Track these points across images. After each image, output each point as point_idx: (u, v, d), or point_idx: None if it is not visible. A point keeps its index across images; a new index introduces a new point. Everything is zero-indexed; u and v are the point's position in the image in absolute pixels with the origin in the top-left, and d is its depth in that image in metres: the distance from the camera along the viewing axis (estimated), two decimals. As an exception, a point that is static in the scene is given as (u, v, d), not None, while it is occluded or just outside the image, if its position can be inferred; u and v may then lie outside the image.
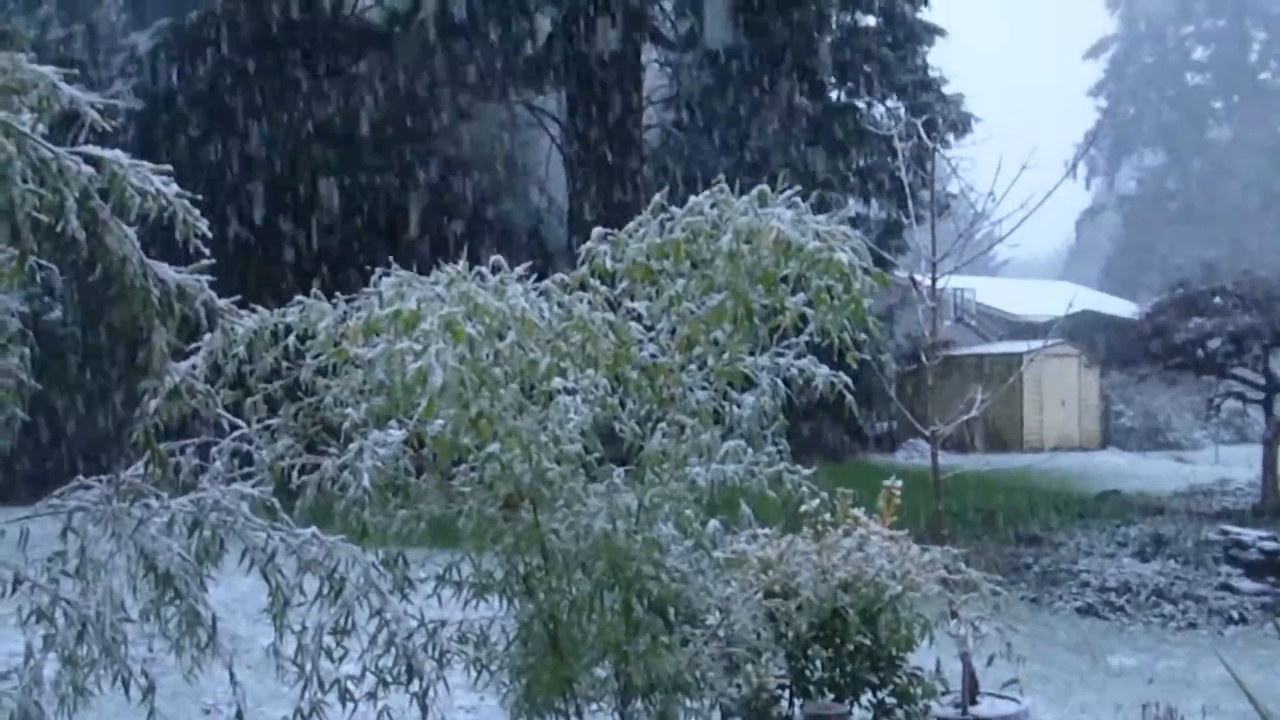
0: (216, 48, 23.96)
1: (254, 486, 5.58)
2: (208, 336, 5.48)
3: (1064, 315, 27.91)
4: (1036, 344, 28.07)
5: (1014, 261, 58.10)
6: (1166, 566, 16.65)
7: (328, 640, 5.36)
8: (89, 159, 4.74)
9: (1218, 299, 22.78)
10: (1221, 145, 73.25)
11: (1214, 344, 22.37)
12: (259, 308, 5.69)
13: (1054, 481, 24.61)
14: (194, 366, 5.44)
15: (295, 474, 5.73)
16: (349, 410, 5.60)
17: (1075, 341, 36.64)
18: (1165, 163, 75.50)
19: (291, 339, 5.63)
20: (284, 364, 5.68)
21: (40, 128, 4.68)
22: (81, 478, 5.43)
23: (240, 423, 5.71)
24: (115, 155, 4.78)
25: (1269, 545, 16.44)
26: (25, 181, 4.56)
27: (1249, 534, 17.06)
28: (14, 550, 5.11)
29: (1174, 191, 74.03)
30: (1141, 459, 33.50)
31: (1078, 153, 55.13)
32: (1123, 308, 43.09)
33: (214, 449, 5.74)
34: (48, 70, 4.71)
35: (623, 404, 5.94)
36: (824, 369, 6.01)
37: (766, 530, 7.29)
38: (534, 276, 5.61)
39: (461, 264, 5.50)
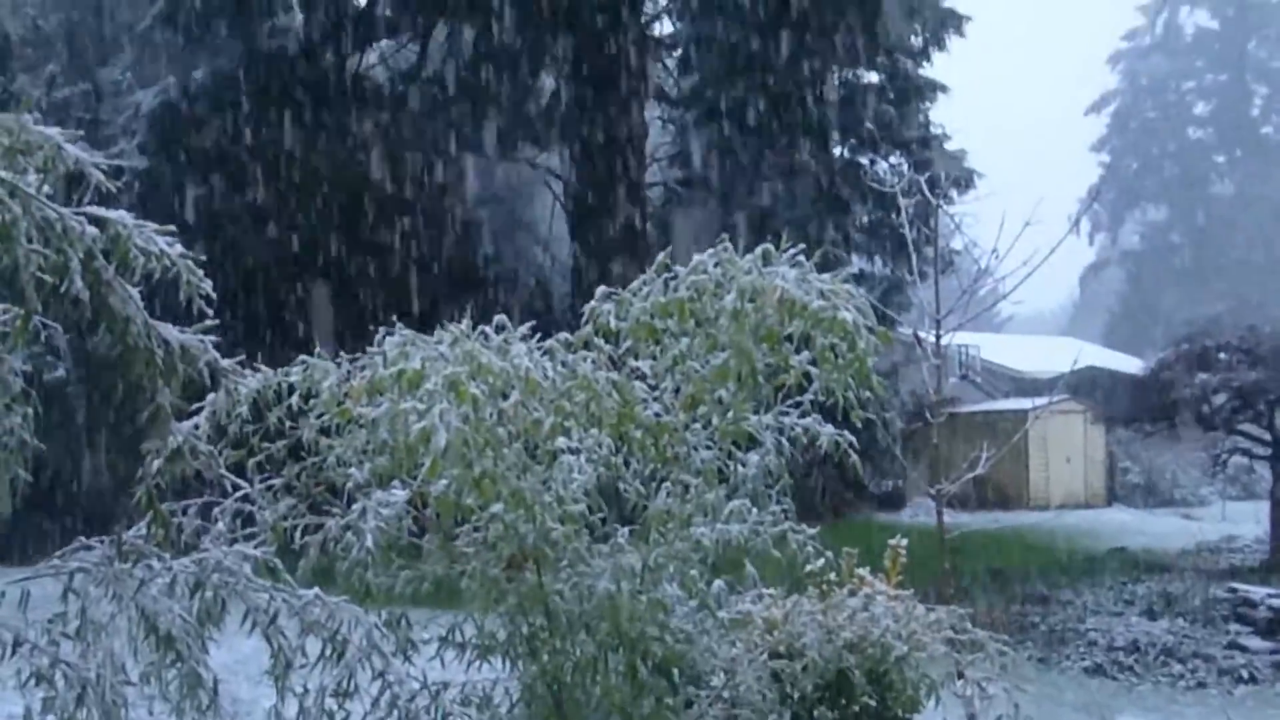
0: (220, 106, 24.08)
1: (256, 547, 5.55)
2: (211, 396, 5.47)
3: (1069, 371, 27.87)
4: (1042, 401, 27.96)
5: (1018, 317, 58.08)
6: (1175, 625, 16.54)
7: (330, 703, 5.32)
8: (93, 219, 4.75)
9: (1223, 354, 22.74)
10: (1225, 200, 73.40)
11: (1220, 400, 22.30)
12: (262, 367, 5.68)
13: (1060, 539, 24.49)
14: (196, 426, 5.42)
15: (298, 534, 5.70)
16: (352, 470, 5.58)
17: (1081, 398, 36.57)
18: (1169, 217, 75.63)
19: (295, 398, 5.62)
20: (287, 424, 5.67)
21: (45, 188, 4.69)
22: (83, 538, 5.41)
23: (243, 483, 5.69)
24: (120, 216, 4.79)
25: (1278, 603, 16.33)
26: (30, 242, 4.57)
27: (1258, 591, 16.95)
28: (14, 612, 5.08)
29: (1178, 246, 74.12)
30: (1148, 516, 33.36)
31: (1081, 208, 55.37)
32: (1128, 363, 43.02)
33: (216, 509, 5.72)
34: (53, 132, 4.72)
35: (627, 463, 5.93)
36: (828, 428, 5.99)
37: (771, 590, 7.25)
38: (537, 335, 5.61)
39: (465, 323, 5.49)
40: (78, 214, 4.65)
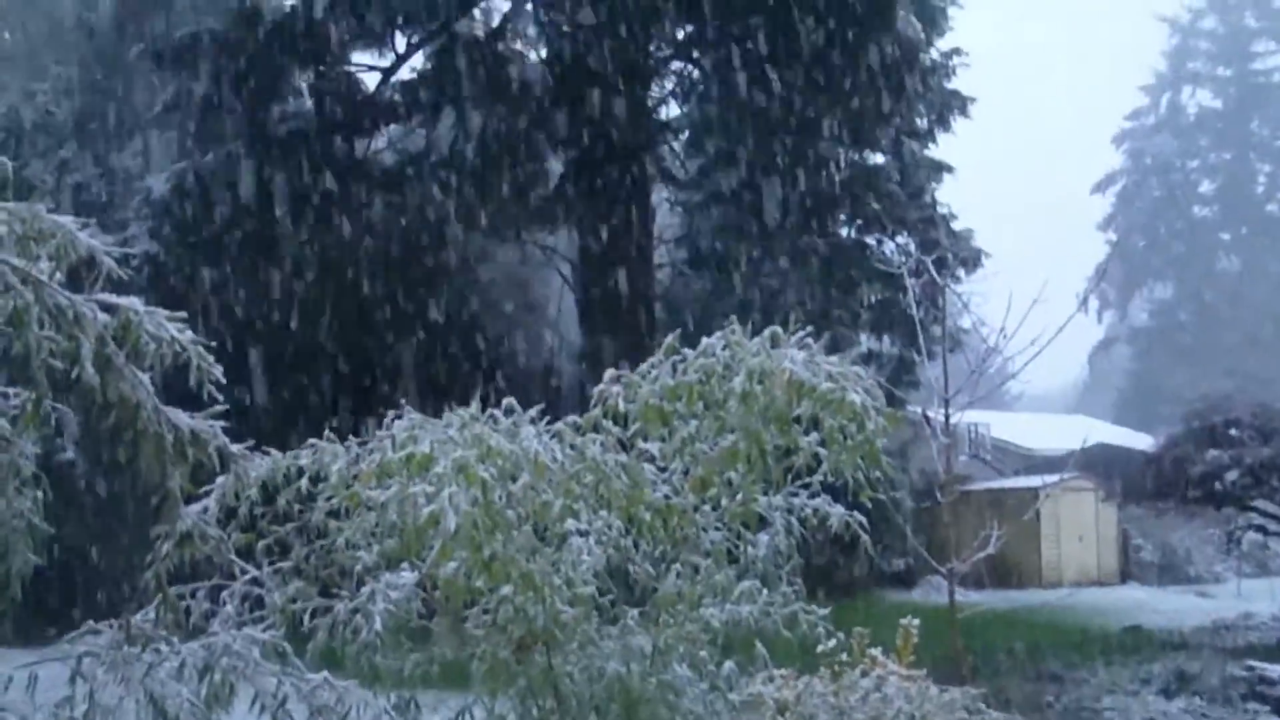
0: (230, 190, 24.24)
1: (265, 630, 5.55)
2: (220, 479, 5.48)
3: (1079, 449, 27.80)
4: (1052, 478, 27.86)
5: (1027, 395, 57.98)
6: (1192, 704, 16.37)
7: (339, 788, 5.28)
8: (105, 305, 4.79)
9: (1234, 431, 22.70)
10: (1231, 276, 73.57)
11: (1232, 476, 22.23)
12: (271, 450, 5.70)
13: (1074, 617, 24.30)
14: (205, 510, 5.44)
15: (307, 617, 5.69)
16: (361, 553, 5.58)
17: (1092, 475, 36.43)
18: (1176, 295, 75.76)
19: (304, 481, 5.63)
20: (296, 506, 5.68)
21: (58, 275, 4.74)
22: (91, 622, 5.40)
23: (251, 567, 5.70)
24: (131, 302, 4.83)
25: (1294, 681, 16.20)
26: (42, 328, 4.61)
27: (1274, 669, 16.81)
28: (22, 695, 5.07)
29: (1186, 323, 74.18)
30: (1162, 593, 33.11)
31: (1088, 287, 55.24)
32: (1138, 440, 42.92)
33: (225, 592, 5.72)
34: (66, 220, 4.78)
35: (636, 545, 5.92)
36: (838, 508, 6.00)
37: (783, 671, 7.21)
38: (546, 418, 5.62)
39: (474, 406, 5.51)
40: (89, 300, 4.70)
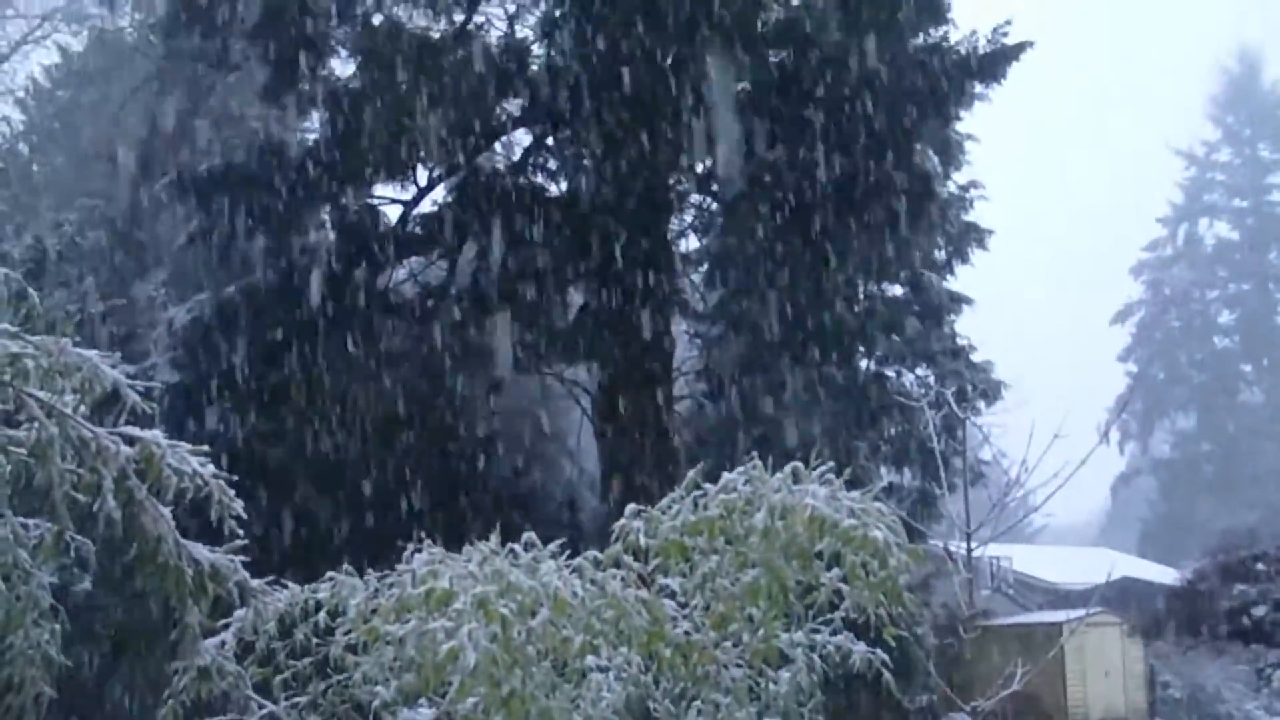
0: (252, 322, 24.38)
1: (282, 768, 5.48)
2: (238, 613, 5.46)
3: (1104, 583, 27.52)
4: (1077, 613, 27.59)
5: (1050, 528, 57.59)
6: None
7: None
8: (128, 438, 4.81)
9: (1260, 565, 22.52)
10: (1254, 408, 73.37)
11: (1260, 612, 22.02)
12: (289, 584, 5.67)
13: (1101, 755, 23.89)
14: (223, 644, 5.41)
15: (324, 754, 5.63)
16: (379, 688, 5.53)
17: (1117, 609, 36.03)
18: (1198, 426, 75.43)
19: (322, 615, 5.60)
20: (314, 640, 5.64)
21: (82, 408, 4.76)
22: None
23: (268, 702, 5.65)
24: (153, 435, 4.85)
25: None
26: (64, 460, 4.63)
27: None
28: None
29: (1209, 455, 73.77)
30: (1191, 732, 32.55)
31: (1109, 419, 55.26)
32: (1163, 573, 42.46)
33: (242, 729, 5.66)
34: (91, 354, 4.83)
35: (656, 682, 5.86)
36: (860, 645, 5.95)
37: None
38: (566, 553, 5.60)
39: (494, 540, 5.50)
40: (113, 433, 4.72)
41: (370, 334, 25.18)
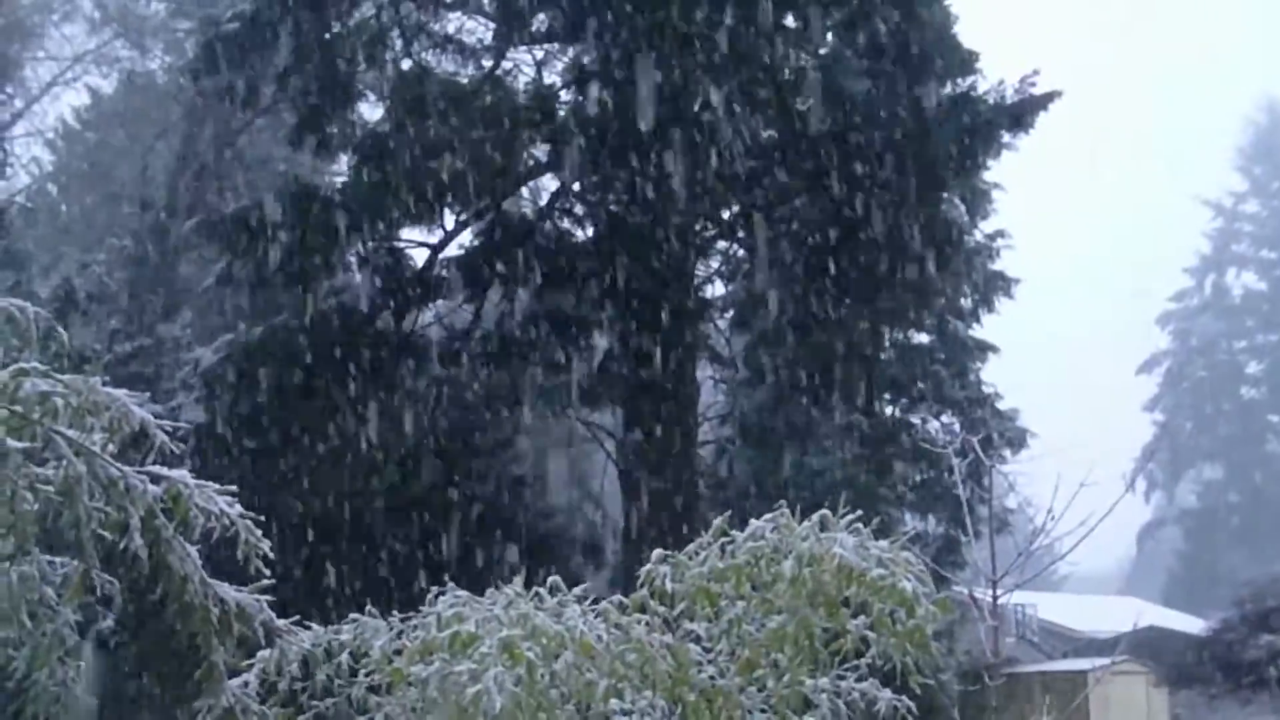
0: (278, 364, 24.44)
1: (304, 810, 5.46)
2: (262, 653, 5.45)
3: (1129, 631, 27.32)
4: (1102, 661, 27.34)
5: (1075, 576, 57.15)
6: None
7: None
8: (155, 477, 4.83)
9: (1288, 616, 22.33)
10: (1281, 459, 73.14)
11: (1287, 662, 21.81)
12: (313, 624, 5.67)
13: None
14: (246, 684, 5.40)
15: (346, 797, 5.61)
16: (402, 731, 5.51)
17: (1142, 658, 35.74)
18: (1225, 477, 75.07)
19: (345, 656, 5.59)
20: (336, 681, 5.63)
21: (110, 447, 4.78)
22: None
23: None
24: (181, 475, 4.86)
25: None
26: (92, 498, 4.64)
27: None
28: None
29: (1236, 505, 73.38)
30: (1218, 784, 32.20)
31: (1136, 468, 55.05)
32: (1189, 623, 42.16)
33: (265, 770, 5.64)
34: (120, 394, 4.84)
35: (681, 727, 5.82)
36: (886, 692, 5.91)
37: None
38: (591, 598, 5.59)
39: (518, 583, 5.49)
40: (140, 472, 4.73)
41: (396, 377, 25.23)
